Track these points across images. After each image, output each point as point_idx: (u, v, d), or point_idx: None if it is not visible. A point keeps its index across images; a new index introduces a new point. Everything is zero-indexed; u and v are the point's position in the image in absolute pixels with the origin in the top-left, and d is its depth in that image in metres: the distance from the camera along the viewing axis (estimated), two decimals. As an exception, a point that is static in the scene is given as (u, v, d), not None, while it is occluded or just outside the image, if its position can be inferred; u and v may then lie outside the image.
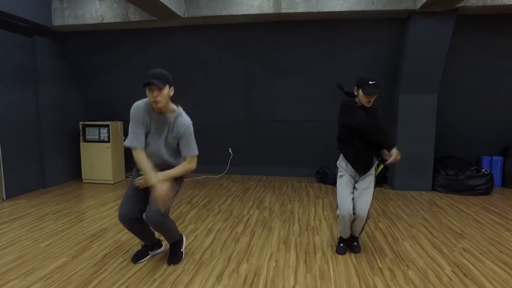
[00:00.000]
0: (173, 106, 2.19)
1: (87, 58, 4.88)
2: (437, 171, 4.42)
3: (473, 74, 4.36)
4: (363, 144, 2.39)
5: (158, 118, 2.13)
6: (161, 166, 2.17)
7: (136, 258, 2.39)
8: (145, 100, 2.13)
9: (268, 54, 4.55)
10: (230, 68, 4.70)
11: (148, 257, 2.43)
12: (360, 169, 2.49)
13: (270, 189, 4.53)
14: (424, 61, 4.02)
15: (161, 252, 2.53)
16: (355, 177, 2.52)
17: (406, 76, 4.16)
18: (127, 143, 2.13)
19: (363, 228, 2.59)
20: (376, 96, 2.30)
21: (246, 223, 3.21)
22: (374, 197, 2.53)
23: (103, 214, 3.46)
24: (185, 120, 2.18)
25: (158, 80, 1.96)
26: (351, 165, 2.50)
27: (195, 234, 2.93)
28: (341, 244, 2.61)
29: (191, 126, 2.19)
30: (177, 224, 3.13)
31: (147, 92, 2.01)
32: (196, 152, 2.23)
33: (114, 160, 4.87)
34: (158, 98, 1.98)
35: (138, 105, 2.13)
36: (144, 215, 2.16)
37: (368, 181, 2.48)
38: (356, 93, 2.39)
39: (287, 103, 4.92)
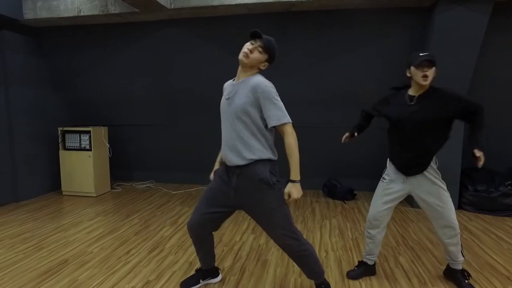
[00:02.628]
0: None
1: (66, 56, 4.39)
2: (464, 186, 3.80)
3: (509, 72, 3.72)
4: (410, 140, 2.00)
5: (233, 89, 1.91)
6: None
7: (186, 285, 2.13)
8: None
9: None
10: (225, 66, 4.14)
11: (199, 286, 2.16)
12: (407, 171, 2.06)
13: (270, 205, 3.96)
14: (452, 58, 3.40)
15: (215, 283, 2.19)
16: (403, 185, 2.08)
17: (429, 75, 3.55)
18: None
19: (461, 248, 2.10)
20: (434, 68, 1.89)
21: (237, 254, 2.66)
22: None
23: (70, 239, 2.94)
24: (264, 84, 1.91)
25: (264, 40, 1.87)
26: (395, 166, 2.11)
27: (172, 270, 2.38)
28: (355, 268, 2.28)
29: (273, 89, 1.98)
30: (154, 254, 2.60)
31: (247, 44, 1.86)
32: None
33: (97, 171, 4.37)
34: (247, 51, 1.81)
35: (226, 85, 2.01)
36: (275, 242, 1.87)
37: (437, 195, 2.05)
38: (409, 76, 2.00)
39: (289, 105, 4.28)
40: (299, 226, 3.26)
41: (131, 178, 5.30)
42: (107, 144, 4.54)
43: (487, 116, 3.90)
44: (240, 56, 1.78)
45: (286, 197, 1.76)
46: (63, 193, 4.43)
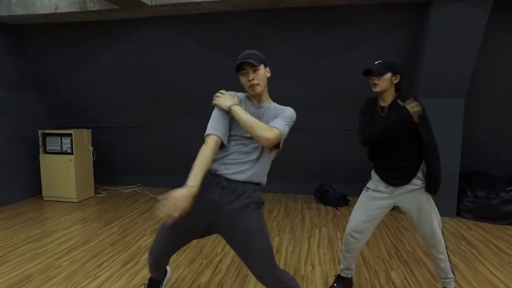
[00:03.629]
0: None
1: (46, 56, 4.21)
2: (463, 192, 3.60)
3: (510, 72, 3.51)
4: (395, 147, 1.88)
5: (257, 112, 1.64)
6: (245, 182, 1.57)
7: None
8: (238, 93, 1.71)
9: (256, 49, 3.77)
10: (211, 66, 3.96)
11: None
12: (392, 181, 1.92)
13: (258, 212, 3.76)
14: (449, 57, 3.21)
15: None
16: (390, 195, 1.93)
17: (426, 75, 3.35)
18: (208, 131, 1.58)
19: (450, 265, 1.98)
20: (387, 75, 1.83)
21: (216, 267, 2.47)
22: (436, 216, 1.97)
23: (39, 250, 2.76)
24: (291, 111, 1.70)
25: (251, 59, 1.57)
26: (379, 176, 1.97)
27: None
28: (335, 284, 2.08)
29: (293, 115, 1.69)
30: (127, 267, 2.41)
31: (242, 78, 1.61)
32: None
33: (79, 175, 4.18)
34: (255, 81, 1.57)
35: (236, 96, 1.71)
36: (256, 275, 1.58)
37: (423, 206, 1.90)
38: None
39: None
40: (286, 236, 3.06)
41: (118, 182, 5.11)
42: (91, 148, 4.36)
43: (487, 118, 3.75)
44: (251, 92, 1.60)
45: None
46: (44, 198, 4.25)
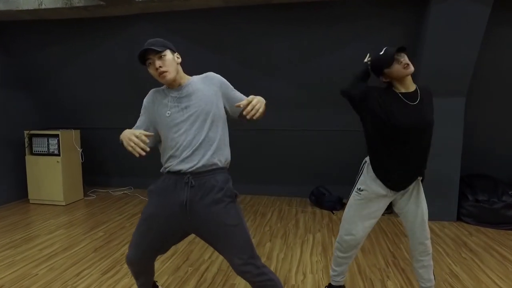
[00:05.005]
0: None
1: (33, 54, 4.08)
2: (464, 195, 3.45)
3: (512, 71, 3.37)
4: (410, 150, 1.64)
5: (181, 93, 1.54)
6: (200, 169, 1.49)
7: None
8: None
9: (247, 47, 3.65)
10: (202, 65, 3.82)
11: None
12: (397, 187, 1.72)
13: (251, 216, 3.62)
14: (449, 55, 3.07)
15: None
16: (387, 196, 1.75)
17: (424, 74, 3.22)
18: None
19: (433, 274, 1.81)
20: (406, 54, 1.62)
21: (202, 276, 2.32)
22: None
23: (17, 257, 2.61)
24: (213, 73, 1.62)
25: (153, 46, 1.46)
26: (383, 181, 1.71)
27: (122, 298, 2.05)
28: None
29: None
30: (108, 276, 2.26)
31: (149, 69, 1.50)
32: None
33: (66, 177, 4.05)
34: (163, 68, 1.46)
35: (150, 92, 1.65)
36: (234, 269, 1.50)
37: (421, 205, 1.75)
38: (387, 81, 1.68)
39: (273, 107, 4.00)
40: (278, 242, 2.92)
41: (109, 184, 4.97)
42: (79, 149, 4.22)
43: (488, 118, 3.60)
44: (162, 80, 1.50)
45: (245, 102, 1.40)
46: (30, 201, 4.11)
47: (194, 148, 1.46)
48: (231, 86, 1.63)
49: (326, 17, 3.35)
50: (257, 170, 4.37)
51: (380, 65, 1.62)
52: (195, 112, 1.48)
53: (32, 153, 4.06)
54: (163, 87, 1.61)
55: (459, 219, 3.43)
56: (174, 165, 1.47)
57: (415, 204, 1.74)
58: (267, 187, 4.40)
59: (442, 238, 2.98)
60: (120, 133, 1.47)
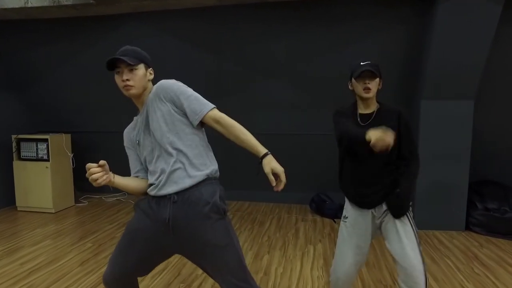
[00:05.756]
0: None
1: (20, 56, 3.91)
2: (472, 204, 3.28)
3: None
4: (365, 165, 1.60)
5: (143, 115, 1.40)
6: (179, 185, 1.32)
7: None
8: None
9: (244, 48, 3.49)
10: (197, 66, 3.66)
11: None
12: (366, 202, 1.62)
13: (248, 225, 3.45)
14: (457, 56, 2.90)
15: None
16: (370, 219, 1.63)
17: (431, 76, 3.05)
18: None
19: None
20: (377, 79, 1.57)
21: (194, 294, 2.15)
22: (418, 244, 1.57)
23: (-4, 272, 2.44)
24: (163, 82, 1.37)
25: (126, 56, 1.30)
26: (352, 201, 1.67)
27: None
28: None
29: (178, 82, 1.38)
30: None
31: (116, 77, 1.35)
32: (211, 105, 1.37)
33: (56, 183, 3.88)
34: (130, 82, 1.31)
35: (125, 132, 1.51)
36: None
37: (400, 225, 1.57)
38: (351, 88, 1.66)
39: (271, 110, 3.85)
40: (277, 254, 2.75)
41: (102, 190, 4.78)
42: (70, 154, 4.05)
43: (498, 122, 3.43)
44: (124, 92, 1.35)
45: (271, 177, 1.27)
46: (18, 209, 3.94)
47: (169, 172, 1.32)
48: (186, 93, 1.35)
49: (325, 16, 3.19)
50: (255, 177, 4.19)
51: (351, 71, 1.62)
52: (157, 135, 1.34)
53: (20, 158, 3.89)
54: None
55: (467, 228, 3.26)
56: (156, 192, 1.35)
57: (390, 231, 1.59)
58: (265, 193, 4.23)
59: (451, 250, 2.81)
60: (114, 136, 1.37)
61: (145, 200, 1.41)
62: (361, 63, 1.57)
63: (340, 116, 1.66)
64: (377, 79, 1.56)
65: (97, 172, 1.23)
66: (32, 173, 3.85)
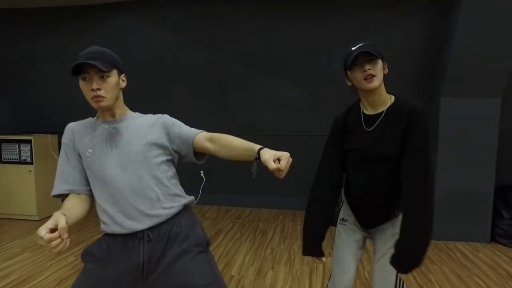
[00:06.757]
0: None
1: (3, 50, 3.61)
2: (497, 212, 2.96)
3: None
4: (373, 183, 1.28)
5: (114, 127, 1.13)
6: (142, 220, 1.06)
7: None
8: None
9: (246, 42, 3.19)
10: (195, 62, 3.36)
11: None
12: (366, 222, 1.38)
13: (250, 235, 3.14)
14: (483, 47, 2.59)
15: None
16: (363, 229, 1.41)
17: (453, 70, 2.74)
18: (55, 191, 1.12)
19: None
20: (380, 62, 1.19)
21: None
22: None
23: (-40, 293, 2.13)
24: (152, 115, 1.22)
25: (98, 61, 1.05)
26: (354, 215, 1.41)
27: None
28: None
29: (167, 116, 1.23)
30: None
31: (82, 84, 1.10)
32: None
33: (40, 188, 3.57)
34: (101, 92, 1.07)
35: (69, 128, 1.19)
36: None
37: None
38: (350, 84, 1.31)
39: (275, 110, 3.54)
40: (282, 270, 2.43)
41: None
42: (56, 156, 3.74)
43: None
44: (94, 105, 1.10)
45: (271, 163, 0.93)
46: (0, 216, 3.63)
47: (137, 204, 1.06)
48: (180, 124, 1.20)
49: (333, 8, 2.89)
50: (257, 180, 3.88)
51: (343, 63, 1.27)
52: (128, 153, 1.08)
53: (1, 161, 3.59)
54: (93, 119, 1.19)
55: (493, 239, 2.94)
56: (121, 229, 1.06)
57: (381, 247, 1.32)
58: (268, 199, 3.91)
59: (478, 266, 2.49)
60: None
61: (98, 245, 1.09)
62: (352, 48, 1.22)
63: (332, 139, 1.37)
64: (380, 62, 1.19)
65: (56, 241, 0.86)
66: (14, 177, 3.55)
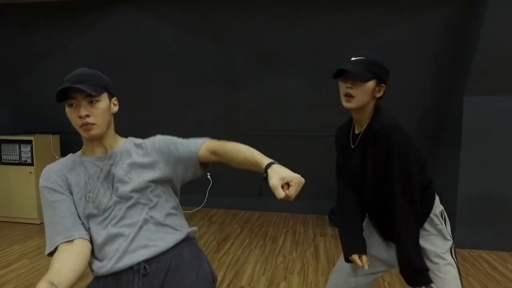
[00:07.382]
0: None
1: (1, 47, 3.49)
2: (524, 218, 2.77)
3: None
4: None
5: (107, 164, 1.02)
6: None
7: None
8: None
9: (254, 37, 3.03)
10: (201, 59, 3.21)
11: None
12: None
13: (259, 241, 2.97)
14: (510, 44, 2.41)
15: None
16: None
17: (478, 65, 2.56)
18: (48, 248, 0.96)
19: None
20: (367, 84, 1.14)
21: None
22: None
23: (-48, 305, 2.00)
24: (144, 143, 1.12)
25: (85, 84, 0.93)
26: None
27: None
28: None
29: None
30: None
31: (68, 111, 0.98)
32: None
33: (41, 190, 3.44)
34: (91, 119, 0.96)
35: (50, 169, 1.08)
36: None
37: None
38: None
39: (285, 109, 3.38)
40: (295, 280, 2.27)
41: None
42: (58, 157, 3.61)
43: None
44: (84, 134, 1.00)
45: (279, 190, 0.85)
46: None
47: (136, 231, 0.96)
48: (177, 142, 1.10)
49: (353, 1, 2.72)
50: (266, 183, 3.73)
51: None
52: (125, 191, 0.99)
53: (1, 162, 3.47)
54: (78, 154, 1.08)
55: (521, 249, 2.75)
56: (113, 265, 0.94)
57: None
58: (277, 202, 3.74)
59: (509, 278, 2.30)
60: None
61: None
62: (352, 58, 1.21)
63: (338, 149, 1.39)
64: (367, 84, 1.12)
65: None
66: (14, 178, 3.43)
